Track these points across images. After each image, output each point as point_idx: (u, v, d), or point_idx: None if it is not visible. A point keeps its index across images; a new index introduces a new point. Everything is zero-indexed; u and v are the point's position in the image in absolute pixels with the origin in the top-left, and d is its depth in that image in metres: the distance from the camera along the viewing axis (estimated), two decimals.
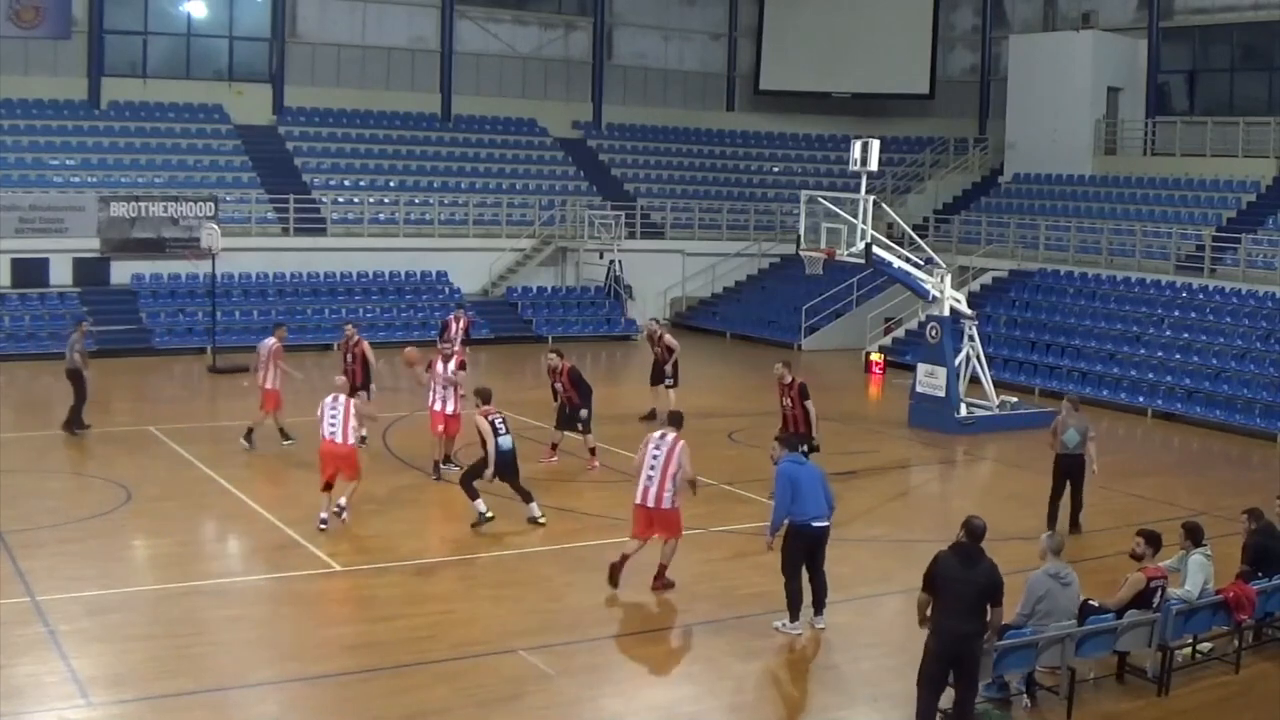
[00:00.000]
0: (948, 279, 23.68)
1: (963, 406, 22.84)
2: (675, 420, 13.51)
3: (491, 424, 15.06)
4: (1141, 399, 25.33)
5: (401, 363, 18.32)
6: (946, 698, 9.67)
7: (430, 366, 17.86)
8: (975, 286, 31.92)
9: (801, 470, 12.17)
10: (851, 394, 27.26)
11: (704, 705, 10.74)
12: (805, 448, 14.69)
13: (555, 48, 40.83)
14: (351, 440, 15.35)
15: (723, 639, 12.22)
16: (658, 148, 41.08)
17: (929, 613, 9.59)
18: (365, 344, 19.64)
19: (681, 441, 12.97)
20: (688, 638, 12.32)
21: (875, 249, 22.68)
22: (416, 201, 35.09)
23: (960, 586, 9.41)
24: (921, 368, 23.40)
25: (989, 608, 9.50)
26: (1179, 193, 32.94)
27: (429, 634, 11.90)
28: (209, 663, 11.09)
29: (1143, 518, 14.98)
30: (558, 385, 18.98)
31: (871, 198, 22.87)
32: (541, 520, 15.40)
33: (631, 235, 35.85)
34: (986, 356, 24.17)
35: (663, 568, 13.21)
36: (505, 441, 15.11)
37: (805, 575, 12.14)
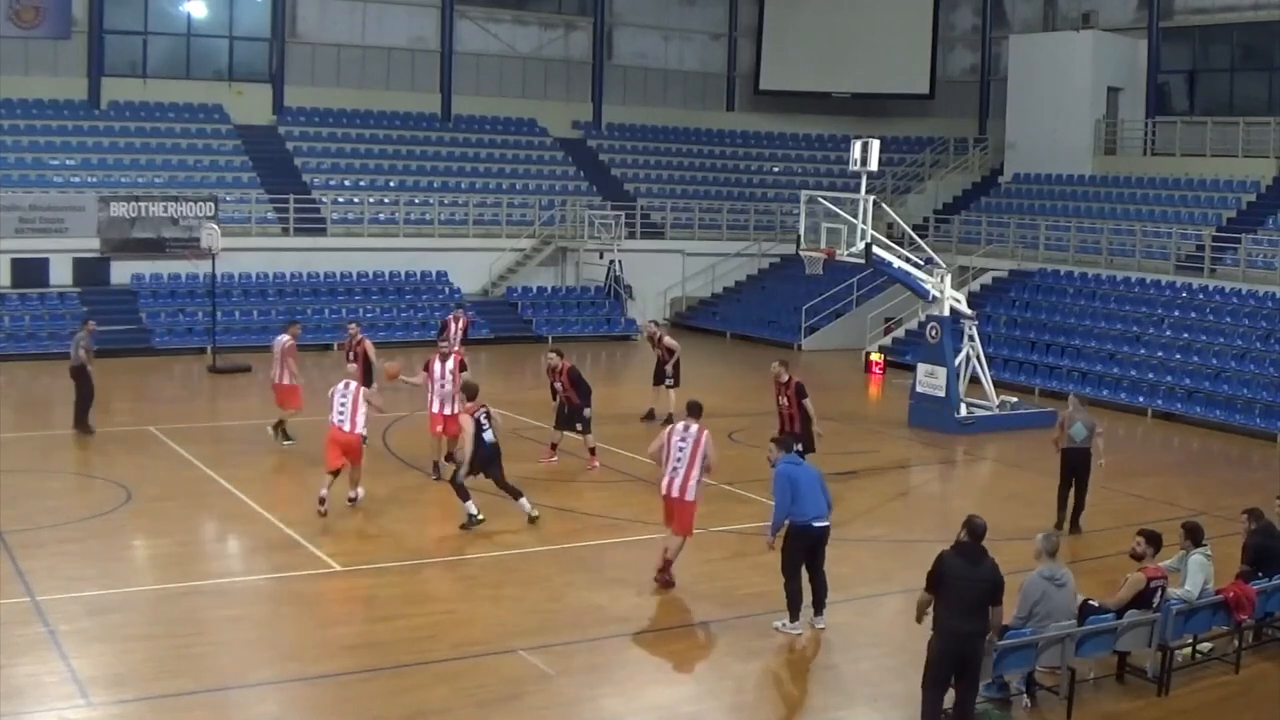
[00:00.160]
0: (948, 279, 23.68)
1: (963, 406, 22.84)
2: (695, 410, 13.53)
3: (476, 420, 15.09)
4: (1141, 399, 25.33)
5: (384, 377, 18.30)
6: (946, 698, 9.66)
7: (428, 367, 17.83)
8: (975, 286, 31.92)
9: (800, 471, 12.20)
10: (851, 394, 27.26)
11: (704, 705, 10.74)
12: (799, 448, 14.72)
13: (555, 48, 40.84)
14: (360, 429, 15.62)
15: (723, 639, 12.23)
16: (658, 148, 41.09)
17: (931, 613, 9.58)
18: (368, 343, 19.84)
19: (706, 431, 13.14)
20: (688, 638, 12.31)
21: (875, 249, 22.68)
22: (416, 201, 35.09)
23: (966, 586, 9.41)
24: (921, 368, 23.40)
25: (990, 607, 9.52)
26: (1179, 193, 32.94)
27: (429, 634, 11.89)
28: (209, 663, 11.09)
29: (1143, 518, 14.98)
30: (557, 385, 18.97)
31: (871, 198, 22.87)
32: (535, 515, 15.36)
33: (631, 235, 35.86)
34: (986, 356, 24.17)
35: (668, 563, 13.26)
36: (489, 436, 15.18)
37: (805, 575, 12.15)
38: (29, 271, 29.55)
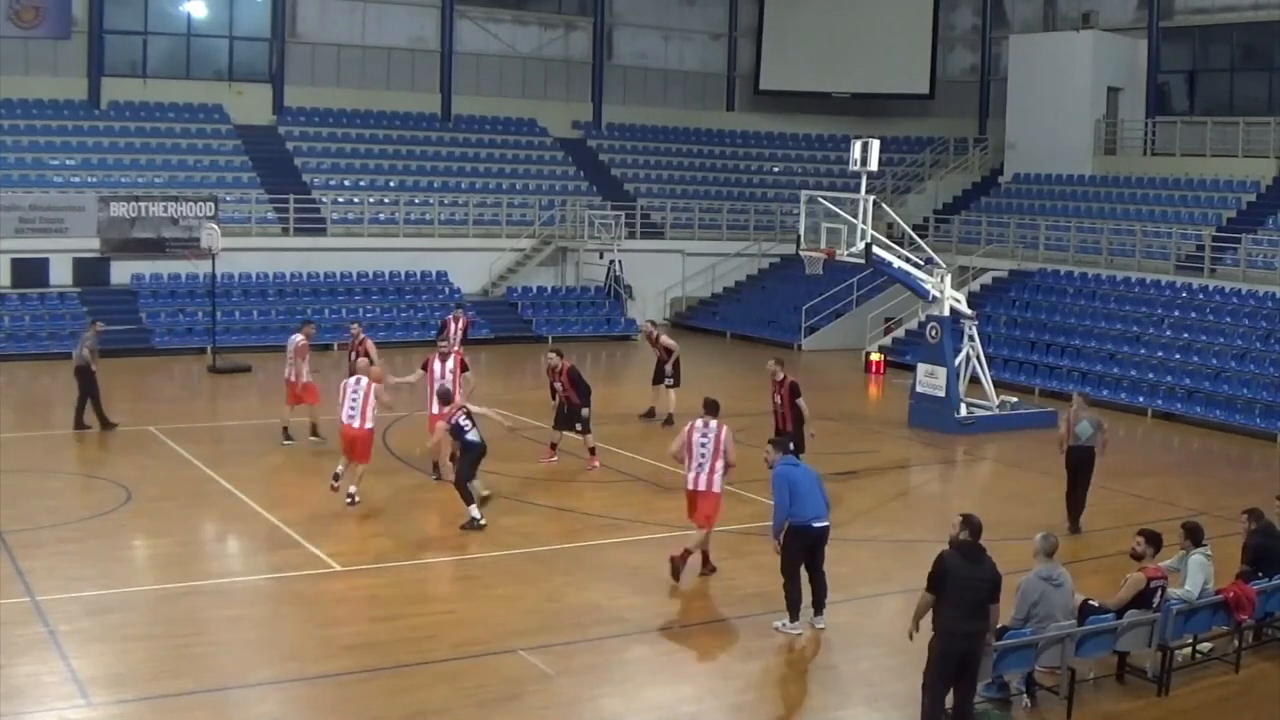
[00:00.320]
0: (948, 279, 23.68)
1: (963, 406, 22.84)
2: (713, 408, 13.83)
3: (455, 424, 15.18)
4: (1141, 399, 25.33)
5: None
6: (946, 698, 9.66)
7: (426, 366, 17.82)
8: (975, 286, 31.92)
9: (798, 471, 12.22)
10: (851, 394, 27.27)
11: (704, 705, 10.74)
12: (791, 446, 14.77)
13: (555, 48, 40.83)
14: (369, 424, 15.86)
15: (723, 639, 12.24)
16: (658, 148, 41.09)
17: (929, 615, 9.57)
18: (370, 343, 19.95)
19: (725, 428, 13.44)
20: (688, 638, 12.30)
21: (875, 249, 22.68)
22: (416, 201, 35.09)
23: (968, 585, 9.41)
24: (921, 368, 23.40)
25: (989, 605, 9.52)
26: (1179, 193, 32.93)
27: (429, 634, 11.90)
28: (209, 663, 11.09)
29: (1143, 518, 14.99)
30: (557, 385, 18.97)
31: (871, 198, 22.88)
32: (481, 524, 15.20)
33: (631, 235, 35.85)
34: (986, 356, 24.17)
35: (686, 552, 13.47)
36: (472, 437, 15.30)
37: (805, 575, 12.16)
38: (29, 271, 29.55)
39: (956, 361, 22.96)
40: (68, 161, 32.31)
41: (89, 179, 31.71)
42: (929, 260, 24.01)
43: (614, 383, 26.87)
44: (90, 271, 30.17)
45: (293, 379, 19.53)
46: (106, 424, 20.21)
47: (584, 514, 16.28)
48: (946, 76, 42.04)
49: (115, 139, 33.54)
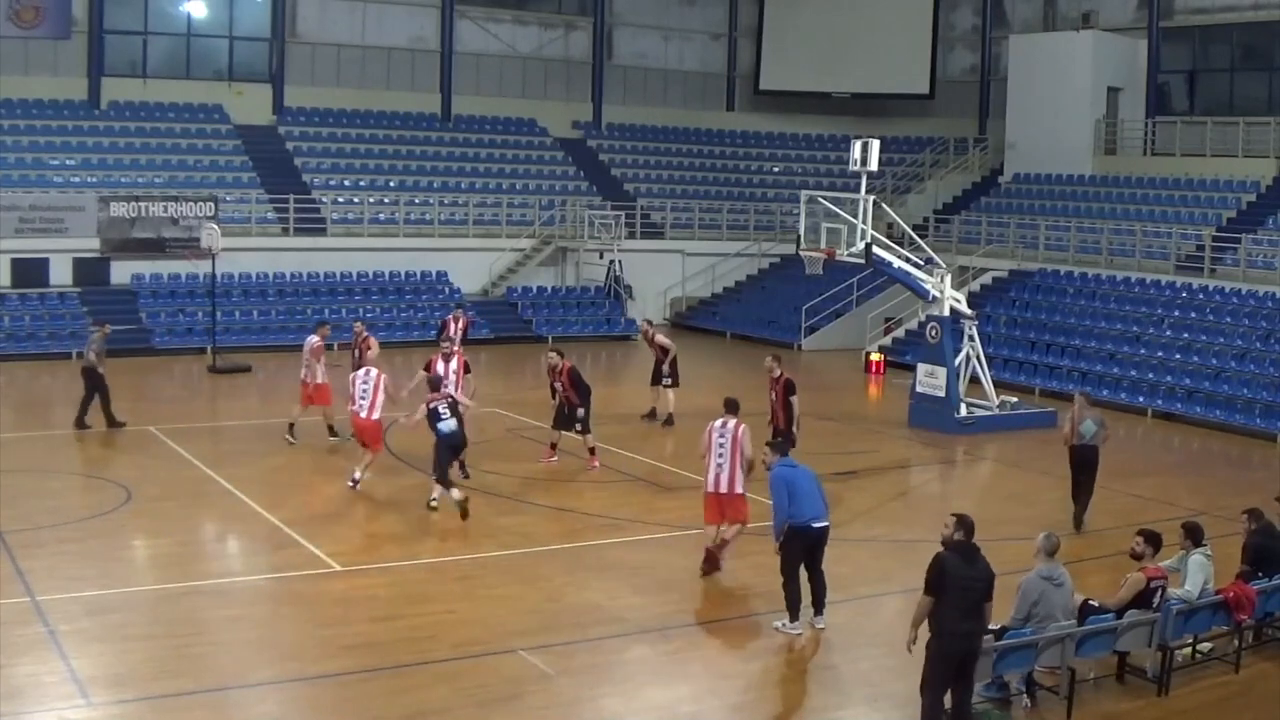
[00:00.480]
0: (948, 279, 23.68)
1: (963, 406, 22.84)
2: (733, 407, 13.97)
3: (434, 410, 15.68)
4: (1141, 399, 25.32)
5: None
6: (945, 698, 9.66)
7: (429, 367, 17.86)
8: (975, 286, 31.92)
9: (796, 472, 12.23)
10: (851, 394, 27.28)
11: (704, 705, 10.73)
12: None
13: (555, 48, 40.83)
14: (376, 415, 16.55)
15: (723, 639, 12.25)
16: (658, 148, 41.08)
17: (928, 617, 9.56)
18: (373, 340, 20.01)
19: (744, 426, 13.54)
20: (688, 638, 12.30)
21: (875, 249, 22.68)
22: (416, 201, 35.09)
23: (967, 585, 9.40)
24: (921, 368, 23.40)
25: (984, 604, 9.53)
26: (1179, 193, 32.93)
27: (429, 634, 11.90)
28: (209, 663, 11.10)
29: (1143, 518, 14.99)
30: (557, 385, 18.96)
31: (871, 198, 22.87)
32: (434, 506, 15.72)
33: (631, 235, 35.85)
34: (986, 356, 24.16)
35: (723, 543, 13.61)
36: (445, 426, 15.67)
37: (805, 575, 12.16)
38: (29, 271, 29.55)
39: (956, 361, 22.96)
40: (68, 161, 32.30)
41: (89, 179, 31.70)
42: (929, 260, 24.01)
43: (614, 383, 26.86)
44: (90, 271, 30.16)
45: (307, 380, 19.63)
46: (113, 423, 20.24)
47: (584, 514, 16.28)
48: (946, 76, 42.04)
49: (115, 139, 33.54)
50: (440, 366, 17.68)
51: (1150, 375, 25.88)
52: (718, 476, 13.45)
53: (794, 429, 17.81)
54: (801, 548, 12.03)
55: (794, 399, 18.02)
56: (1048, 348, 28.08)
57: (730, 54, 43.30)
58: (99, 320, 22.89)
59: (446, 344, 19.07)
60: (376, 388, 16.58)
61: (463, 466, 17.64)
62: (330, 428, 19.72)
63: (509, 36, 40.02)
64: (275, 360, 27.86)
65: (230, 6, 36.65)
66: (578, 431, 18.73)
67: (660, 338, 22.70)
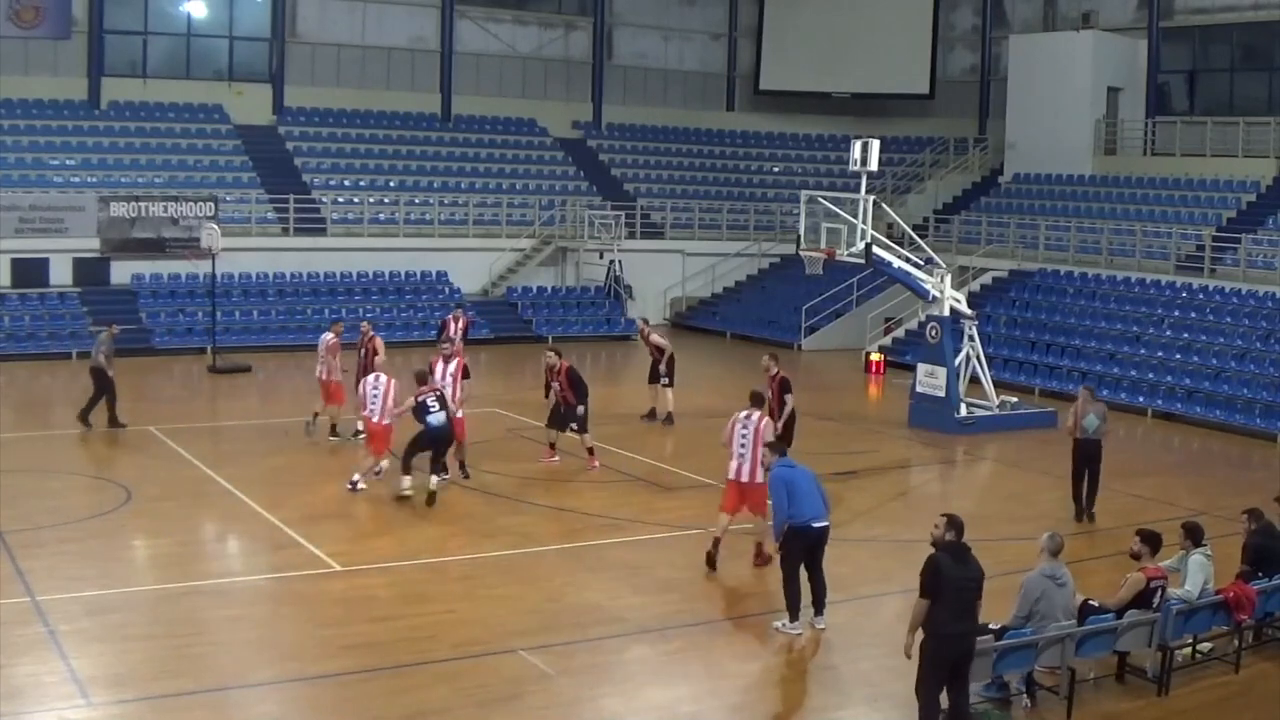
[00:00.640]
0: (948, 279, 23.67)
1: (963, 406, 22.84)
2: (758, 400, 14.34)
3: (422, 402, 16.08)
4: (1141, 399, 25.32)
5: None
6: (942, 698, 9.65)
7: (430, 368, 17.84)
8: (975, 286, 31.91)
9: (795, 473, 12.24)
10: (851, 394, 27.27)
11: (704, 705, 10.73)
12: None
13: (555, 48, 40.83)
14: (386, 419, 16.82)
15: (723, 639, 12.24)
16: (658, 148, 41.08)
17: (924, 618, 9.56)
18: (379, 340, 20.02)
19: (766, 418, 13.98)
20: (688, 638, 12.29)
21: (875, 249, 22.68)
22: (416, 201, 35.09)
23: (960, 585, 9.40)
24: (921, 368, 23.39)
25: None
26: (1179, 193, 32.93)
27: (429, 634, 11.89)
28: (209, 663, 11.09)
29: (1143, 518, 14.98)
30: (554, 384, 18.95)
31: (871, 198, 22.87)
32: (408, 493, 16.03)
33: (631, 235, 35.84)
34: (986, 356, 24.16)
35: (760, 544, 13.83)
36: (434, 419, 16.09)
37: (804, 575, 12.16)
38: (29, 271, 29.55)
39: (956, 361, 22.95)
40: (68, 161, 32.30)
41: (89, 179, 31.70)
42: (929, 260, 24.01)
43: (614, 383, 26.86)
44: (90, 271, 30.16)
45: (324, 377, 19.76)
46: (115, 423, 20.25)
47: (584, 514, 16.28)
48: (946, 76, 42.04)
49: (115, 139, 33.54)
50: (440, 367, 17.68)
51: (1150, 375, 25.88)
52: (739, 466, 13.71)
53: (790, 427, 17.80)
54: (801, 548, 12.03)
55: (789, 397, 18.08)
56: (1048, 348, 28.08)
57: (730, 54, 43.30)
58: (107, 321, 22.85)
59: (446, 344, 19.06)
60: (386, 393, 16.86)
61: (463, 466, 17.66)
62: (333, 427, 19.74)
63: (509, 36, 40.02)
64: (275, 360, 27.89)
65: (230, 6, 36.65)
66: (574, 431, 18.73)
67: (655, 337, 22.69)
